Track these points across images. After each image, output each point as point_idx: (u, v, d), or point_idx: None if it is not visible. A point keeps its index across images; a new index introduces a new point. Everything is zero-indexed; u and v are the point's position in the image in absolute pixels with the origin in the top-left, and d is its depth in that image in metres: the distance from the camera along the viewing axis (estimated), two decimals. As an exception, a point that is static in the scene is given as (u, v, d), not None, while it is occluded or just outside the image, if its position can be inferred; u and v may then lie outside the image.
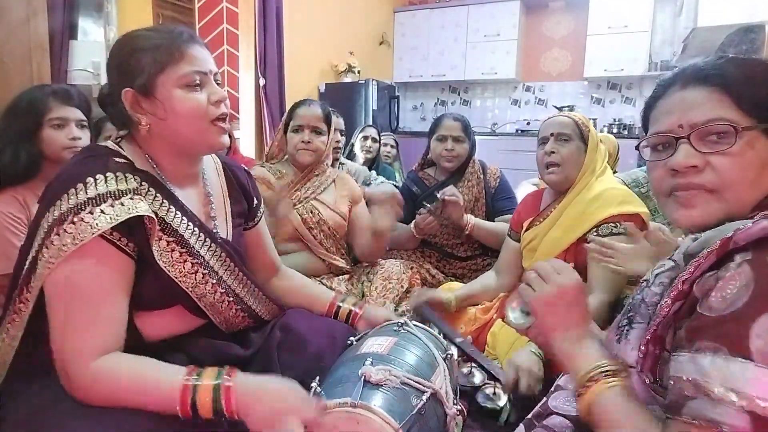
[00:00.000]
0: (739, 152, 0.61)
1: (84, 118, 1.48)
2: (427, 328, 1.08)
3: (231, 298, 0.99)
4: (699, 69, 0.65)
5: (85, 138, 1.47)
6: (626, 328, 0.68)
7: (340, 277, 1.77)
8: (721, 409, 0.50)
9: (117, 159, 0.86)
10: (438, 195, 1.80)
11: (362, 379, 0.82)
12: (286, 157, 1.83)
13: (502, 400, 1.19)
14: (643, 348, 0.62)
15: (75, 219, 0.77)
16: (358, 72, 4.64)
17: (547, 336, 0.74)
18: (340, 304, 1.19)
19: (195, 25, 3.39)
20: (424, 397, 0.84)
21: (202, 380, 0.77)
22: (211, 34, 3.41)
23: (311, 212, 1.70)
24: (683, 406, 0.53)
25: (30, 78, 2.26)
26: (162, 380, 0.77)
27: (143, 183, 0.87)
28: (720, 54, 0.67)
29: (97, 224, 0.77)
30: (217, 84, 0.92)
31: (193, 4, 3.38)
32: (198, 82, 0.88)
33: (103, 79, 2.62)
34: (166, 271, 0.87)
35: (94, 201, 0.78)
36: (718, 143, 0.62)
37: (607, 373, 0.65)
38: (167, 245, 0.87)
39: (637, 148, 0.73)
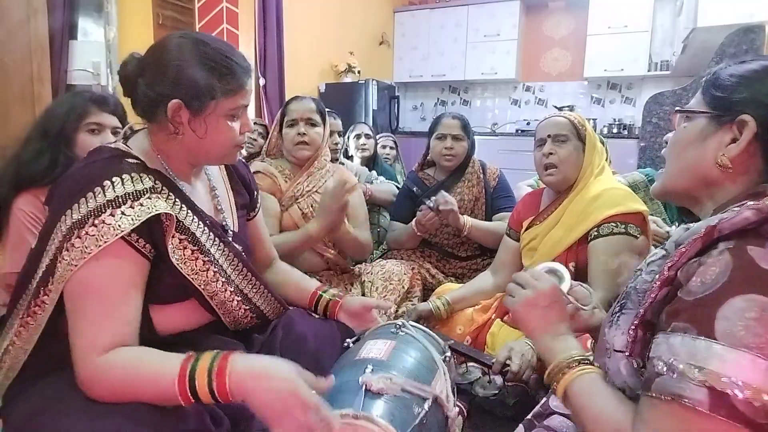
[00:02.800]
0: (677, 131, 0.73)
1: (119, 125, 1.49)
2: (424, 329, 1.08)
3: (239, 298, 1.00)
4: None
5: None
6: (618, 314, 0.71)
7: (340, 276, 1.77)
8: (684, 384, 0.53)
9: (129, 159, 0.88)
10: (431, 205, 1.77)
11: (363, 388, 0.82)
12: (283, 154, 1.82)
13: (497, 385, 1.20)
14: (631, 332, 0.64)
15: (96, 221, 0.78)
16: (358, 72, 4.64)
17: (528, 336, 0.81)
18: (322, 294, 1.22)
19: (195, 25, 3.39)
20: (426, 405, 0.84)
21: (199, 364, 0.75)
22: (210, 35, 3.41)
23: (312, 206, 1.70)
24: (653, 382, 0.56)
25: (30, 78, 2.26)
26: (162, 367, 0.76)
27: (157, 182, 0.88)
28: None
29: (119, 225, 0.78)
30: None
31: (193, 4, 3.37)
32: (240, 113, 0.93)
33: (103, 80, 2.62)
34: (179, 268, 0.88)
35: (113, 203, 0.80)
36: (675, 124, 0.74)
37: (580, 361, 0.71)
38: (180, 243, 0.89)
39: None
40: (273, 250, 1.28)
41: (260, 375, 0.75)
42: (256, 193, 1.19)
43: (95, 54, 2.61)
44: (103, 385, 0.75)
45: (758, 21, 2.78)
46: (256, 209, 1.20)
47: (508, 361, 1.18)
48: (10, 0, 2.17)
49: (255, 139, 2.84)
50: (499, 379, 1.24)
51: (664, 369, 0.55)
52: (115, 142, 0.94)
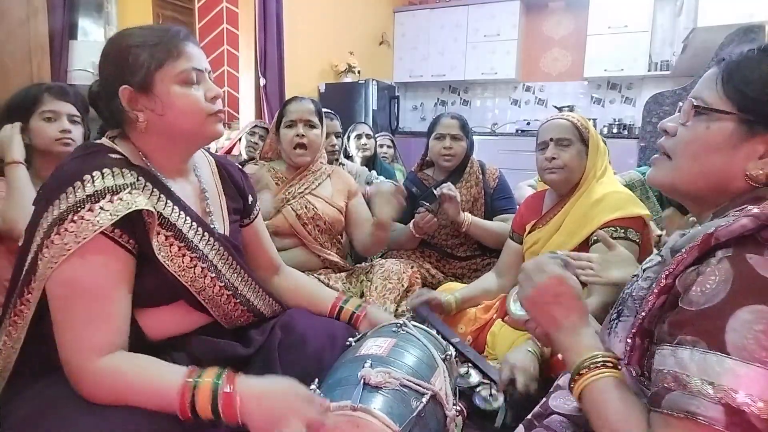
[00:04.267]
0: (692, 127, 0.66)
1: (77, 114, 1.51)
2: (426, 328, 1.08)
3: (230, 292, 0.98)
4: (726, 53, 0.69)
5: (77, 133, 1.49)
6: (615, 321, 0.70)
7: (338, 274, 1.76)
8: (697, 401, 0.51)
9: (112, 155, 0.87)
10: (435, 192, 1.80)
11: (362, 381, 0.82)
12: (280, 155, 1.82)
13: (499, 402, 1.19)
14: (629, 341, 0.63)
15: (75, 217, 0.77)
16: (358, 72, 4.64)
17: (547, 332, 0.76)
18: (343, 305, 1.20)
19: (195, 25, 3.39)
20: (424, 400, 0.84)
21: (201, 382, 0.76)
22: (211, 34, 3.41)
23: (305, 207, 1.70)
24: (663, 398, 0.55)
25: (30, 78, 2.26)
26: (163, 380, 0.77)
27: (140, 178, 0.87)
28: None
29: (98, 221, 0.77)
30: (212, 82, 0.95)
31: (193, 4, 3.38)
32: (195, 79, 0.90)
33: (103, 79, 2.63)
34: (166, 266, 0.87)
35: (92, 198, 0.78)
36: (691, 116, 0.66)
37: (597, 364, 0.66)
38: (165, 240, 0.87)
39: None
40: (277, 256, 1.26)
41: (260, 395, 0.77)
42: (251, 198, 1.16)
43: (95, 54, 2.59)
44: (101, 390, 0.75)
45: (758, 21, 2.78)
46: (252, 215, 1.16)
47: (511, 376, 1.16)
48: (10, 0, 2.17)
49: (256, 143, 2.78)
50: (498, 394, 1.22)
51: (674, 384, 0.54)
52: (101, 139, 0.93)
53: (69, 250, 0.76)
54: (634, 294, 0.69)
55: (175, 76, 0.87)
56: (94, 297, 0.78)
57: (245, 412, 0.76)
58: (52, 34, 2.36)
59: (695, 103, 0.66)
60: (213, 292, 0.95)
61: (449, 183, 1.84)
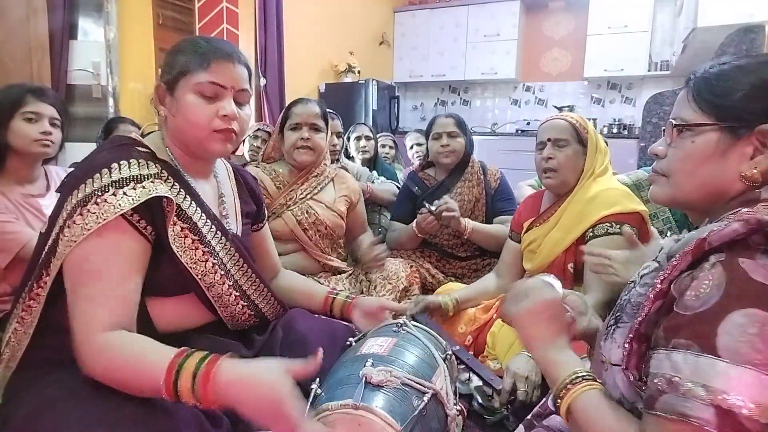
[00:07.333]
0: (679, 146, 0.69)
1: (58, 117, 1.52)
2: (426, 328, 1.08)
3: (237, 293, 1.01)
4: (692, 71, 0.71)
5: (56, 136, 1.51)
6: (613, 327, 0.71)
7: (339, 276, 1.76)
8: (690, 403, 0.52)
9: (140, 148, 0.91)
10: (433, 209, 1.77)
11: (363, 380, 0.82)
12: (283, 157, 1.81)
13: (500, 412, 1.19)
14: (626, 345, 0.64)
15: (98, 200, 0.80)
16: (358, 72, 4.64)
17: (528, 347, 0.78)
18: (335, 297, 1.24)
19: (195, 25, 3.40)
20: (426, 398, 0.84)
21: (186, 363, 0.74)
22: (211, 34, 3.41)
23: (306, 213, 1.69)
24: (657, 400, 0.56)
25: (30, 78, 2.27)
26: (154, 358, 0.76)
27: (163, 171, 0.91)
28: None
29: (119, 204, 0.81)
30: (240, 103, 0.96)
31: (193, 4, 3.38)
32: (212, 94, 0.92)
33: (103, 79, 2.63)
34: (178, 256, 0.89)
35: (117, 183, 0.82)
36: (675, 136, 0.70)
37: (584, 378, 0.69)
38: (181, 231, 0.91)
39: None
40: (278, 260, 1.31)
41: (244, 383, 0.72)
42: (263, 205, 1.22)
43: (95, 54, 2.62)
44: (100, 364, 0.76)
45: (758, 21, 2.77)
46: (263, 222, 1.22)
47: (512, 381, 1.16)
48: (10, 0, 2.17)
49: (258, 147, 2.73)
50: (497, 400, 1.22)
51: (667, 386, 0.55)
52: (132, 134, 0.98)
53: (90, 229, 0.78)
54: (632, 300, 0.70)
55: (194, 86, 0.91)
56: (104, 275, 0.80)
57: (228, 398, 0.72)
58: (52, 34, 2.37)
59: (676, 123, 0.69)
60: (222, 290, 0.97)
61: (446, 197, 1.82)
